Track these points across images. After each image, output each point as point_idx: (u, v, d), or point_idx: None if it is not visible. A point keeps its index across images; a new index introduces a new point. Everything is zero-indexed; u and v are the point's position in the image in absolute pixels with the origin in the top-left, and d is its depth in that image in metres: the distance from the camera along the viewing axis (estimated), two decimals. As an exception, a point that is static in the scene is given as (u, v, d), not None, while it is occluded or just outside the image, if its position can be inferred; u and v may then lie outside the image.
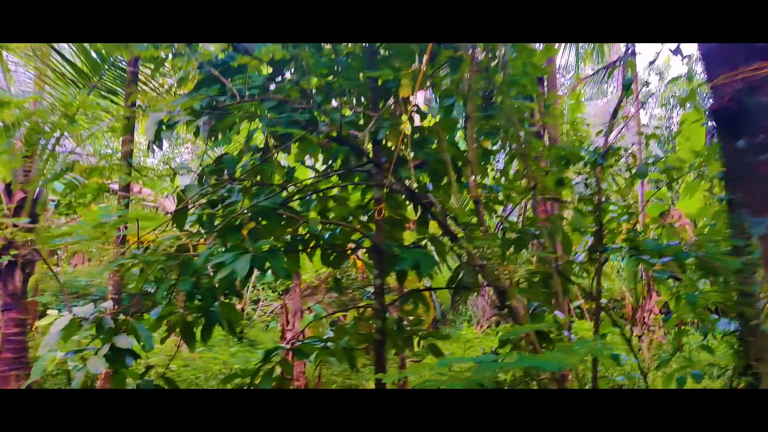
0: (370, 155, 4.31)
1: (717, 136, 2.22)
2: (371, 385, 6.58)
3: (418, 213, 4.66)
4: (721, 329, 3.00)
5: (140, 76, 5.61)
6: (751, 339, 2.74)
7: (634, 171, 2.75)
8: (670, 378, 3.05)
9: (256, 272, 3.09)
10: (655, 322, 7.24)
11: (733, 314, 2.80)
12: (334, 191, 4.60)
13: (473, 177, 2.93)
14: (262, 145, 4.02)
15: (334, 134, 4.28)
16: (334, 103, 3.63)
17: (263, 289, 12.50)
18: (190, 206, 3.49)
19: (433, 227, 4.60)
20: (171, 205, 9.18)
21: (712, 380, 5.79)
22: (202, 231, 3.62)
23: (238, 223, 2.99)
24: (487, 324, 11.22)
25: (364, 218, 4.47)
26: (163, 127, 3.06)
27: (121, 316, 3.19)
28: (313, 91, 3.75)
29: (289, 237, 4.02)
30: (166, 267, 3.33)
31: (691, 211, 7.67)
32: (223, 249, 3.31)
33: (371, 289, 7.57)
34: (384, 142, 3.92)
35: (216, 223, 3.25)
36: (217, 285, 3.00)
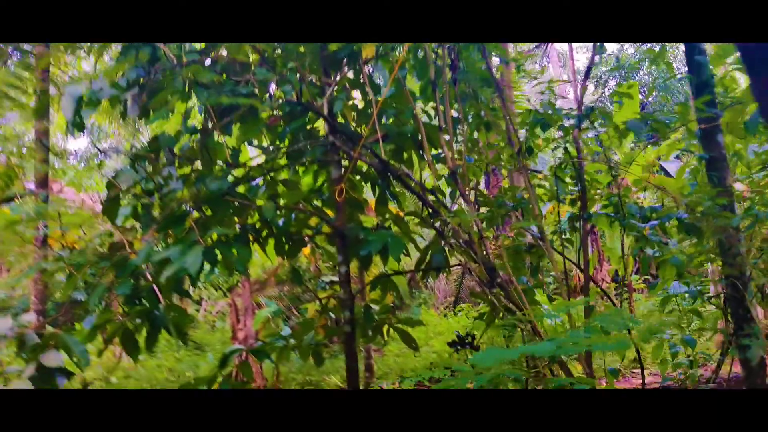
0: (322, 132, 4.00)
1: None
2: (335, 380, 6.31)
3: (377, 193, 4.41)
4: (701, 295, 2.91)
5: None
6: (739, 298, 2.67)
7: (623, 126, 2.59)
8: (660, 347, 2.95)
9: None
10: (609, 290, 7.34)
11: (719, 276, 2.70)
12: (284, 174, 4.26)
13: (449, 146, 2.69)
14: (200, 126, 3.61)
15: (281, 112, 3.94)
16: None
17: (205, 287, 11.90)
18: (122, 196, 3.07)
19: (394, 209, 4.37)
20: (97, 205, 8.47)
21: (704, 345, 5.85)
22: (137, 226, 3.21)
23: (181, 213, 2.62)
24: (444, 305, 11.15)
25: (317, 203, 4.18)
26: (83, 104, 2.63)
27: (48, 329, 2.76)
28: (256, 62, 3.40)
29: (237, 227, 3.66)
30: (98, 270, 2.92)
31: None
32: (164, 244, 2.93)
33: (326, 279, 7.25)
34: (339, 115, 3.62)
35: (154, 214, 2.86)
36: (162, 284, 2.63)
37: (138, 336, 3.21)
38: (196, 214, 2.72)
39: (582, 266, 2.50)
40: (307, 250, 8.10)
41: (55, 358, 2.52)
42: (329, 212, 4.10)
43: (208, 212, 2.97)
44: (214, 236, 2.70)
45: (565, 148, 2.75)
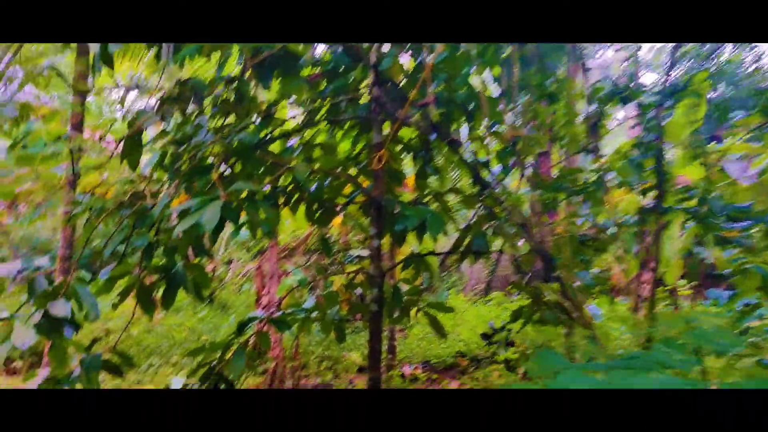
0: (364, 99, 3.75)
1: None
2: (355, 358, 6.15)
3: (417, 167, 4.15)
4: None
5: None
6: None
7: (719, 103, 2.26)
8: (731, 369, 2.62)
9: (228, 228, 2.56)
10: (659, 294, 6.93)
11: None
12: (321, 137, 4.03)
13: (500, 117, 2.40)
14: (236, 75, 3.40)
15: (324, 69, 3.70)
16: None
17: (236, 249, 11.91)
18: (146, 144, 2.90)
19: (434, 185, 4.10)
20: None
21: None
22: (164, 177, 3.04)
23: (207, 165, 2.41)
24: (473, 292, 10.88)
25: (353, 172, 3.95)
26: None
27: (61, 278, 2.63)
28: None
29: (268, 188, 3.46)
30: (117, 217, 2.76)
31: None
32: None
33: (355, 253, 7.05)
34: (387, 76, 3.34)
35: (181, 166, 2.67)
36: (180, 240, 2.45)
37: (155, 293, 3.08)
38: (222, 167, 2.51)
39: (652, 266, 2.20)
40: (338, 220, 7.93)
41: (62, 308, 2.38)
42: (365, 182, 3.87)
43: (238, 168, 2.77)
44: (244, 194, 2.50)
45: (646, 129, 2.42)
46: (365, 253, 7.37)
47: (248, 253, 12.11)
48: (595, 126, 2.69)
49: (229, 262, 11.98)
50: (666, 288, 5.83)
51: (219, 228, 2.20)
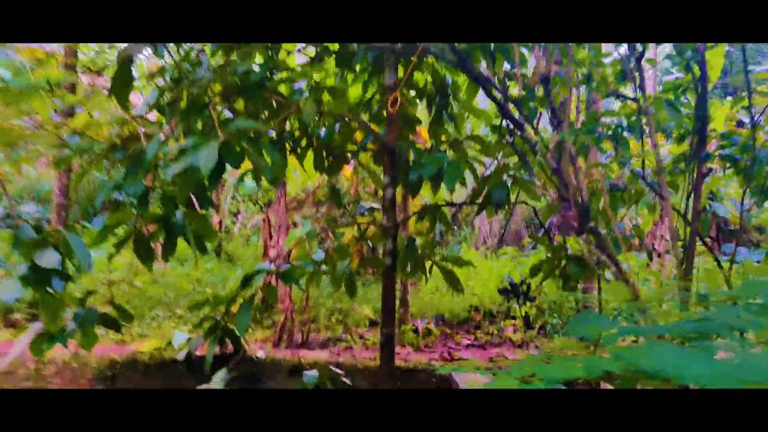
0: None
1: None
2: (366, 311, 6.05)
3: (432, 113, 3.89)
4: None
5: None
6: None
7: None
8: None
9: (233, 178, 2.36)
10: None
11: None
12: (330, 81, 3.77)
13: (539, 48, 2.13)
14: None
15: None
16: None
17: (243, 200, 11.77)
18: (145, 82, 2.66)
19: (450, 133, 3.85)
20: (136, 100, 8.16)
21: None
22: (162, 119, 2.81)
23: (205, 102, 2.18)
24: (485, 246, 10.71)
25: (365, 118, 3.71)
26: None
27: (49, 226, 2.44)
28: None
29: (273, 133, 3.23)
30: (109, 161, 2.56)
31: None
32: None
33: (366, 205, 6.84)
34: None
35: (179, 107, 2.44)
36: (178, 186, 2.25)
37: (153, 243, 2.91)
38: (222, 104, 2.28)
39: (690, 219, 1.98)
40: (348, 171, 7.70)
41: (50, 258, 2.21)
42: (376, 129, 3.64)
43: (240, 107, 2.54)
44: (246, 137, 2.27)
45: (687, 67, 2.15)
46: (376, 204, 7.18)
47: (255, 206, 11.97)
48: (629, 66, 2.40)
49: (237, 213, 11.86)
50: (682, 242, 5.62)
51: (218, 172, 1.99)
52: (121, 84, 2.31)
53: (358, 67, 3.76)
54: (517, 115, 2.51)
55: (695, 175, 2.11)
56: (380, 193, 8.00)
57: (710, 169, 2.14)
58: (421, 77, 3.83)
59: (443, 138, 3.69)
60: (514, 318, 5.88)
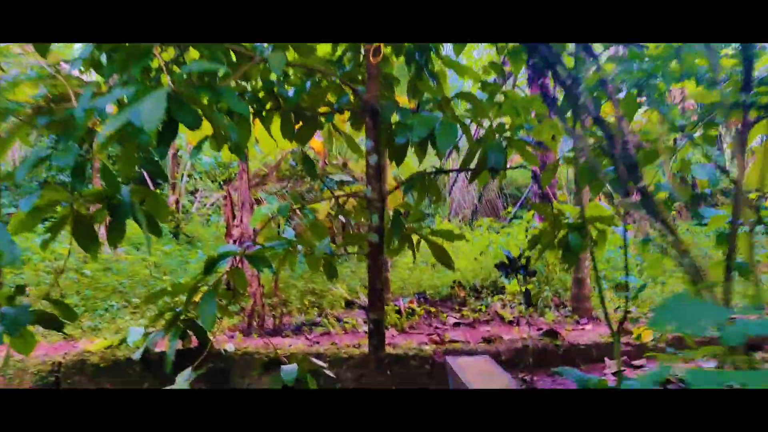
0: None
1: None
2: (341, 292, 5.70)
3: (412, 71, 3.52)
4: None
5: None
6: None
7: None
8: None
9: (188, 155, 1.94)
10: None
11: None
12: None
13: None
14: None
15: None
16: None
17: (201, 178, 11.17)
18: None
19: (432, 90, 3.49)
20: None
21: None
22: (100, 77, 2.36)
23: (146, 47, 1.74)
24: (459, 218, 10.47)
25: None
26: None
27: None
28: None
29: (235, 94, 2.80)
30: (33, 126, 2.12)
31: None
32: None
33: (336, 178, 6.40)
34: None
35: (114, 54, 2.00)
36: (120, 155, 1.83)
37: (97, 225, 2.49)
38: (171, 50, 1.85)
39: (735, 180, 1.69)
40: (316, 141, 7.26)
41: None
42: (348, 90, 3.25)
43: (194, 54, 2.11)
44: (204, 97, 1.85)
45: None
46: (346, 177, 6.70)
47: (214, 183, 11.39)
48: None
49: (194, 192, 11.26)
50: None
51: (169, 133, 1.58)
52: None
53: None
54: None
55: (739, 124, 1.82)
56: (350, 164, 7.52)
57: (759, 118, 1.84)
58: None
59: (429, 96, 3.33)
60: (501, 293, 5.63)
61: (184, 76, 1.64)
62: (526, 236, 6.21)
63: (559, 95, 2.72)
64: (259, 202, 7.07)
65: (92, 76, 2.92)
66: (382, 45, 2.72)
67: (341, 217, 5.65)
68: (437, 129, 2.64)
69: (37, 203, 2.33)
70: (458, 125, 2.80)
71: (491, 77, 3.49)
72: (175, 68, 1.72)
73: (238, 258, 3.07)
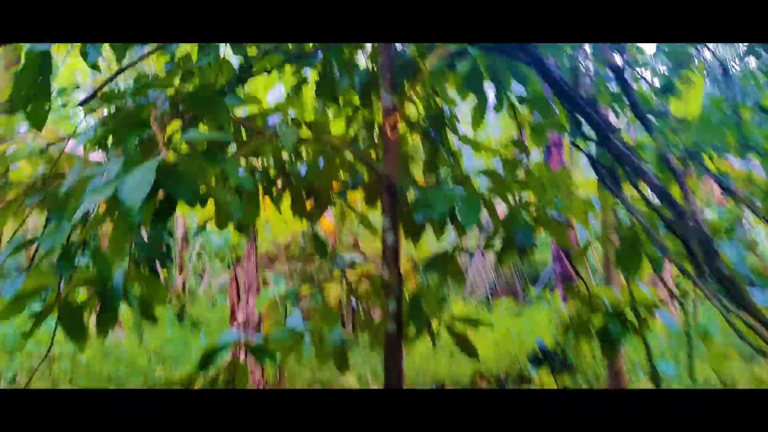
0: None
1: None
2: (351, 380, 5.33)
3: (426, 149, 3.42)
4: None
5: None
6: None
7: None
8: None
9: (191, 230, 1.76)
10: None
11: None
12: (309, 117, 3.27)
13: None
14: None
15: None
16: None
17: (210, 258, 11.02)
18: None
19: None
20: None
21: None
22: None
23: (145, 116, 1.60)
24: (474, 298, 10.12)
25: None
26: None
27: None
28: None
29: (243, 171, 2.67)
30: (20, 203, 1.96)
31: None
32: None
33: (347, 258, 6.19)
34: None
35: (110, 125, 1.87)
36: (110, 235, 1.65)
37: (86, 313, 2.28)
38: (175, 123, 1.71)
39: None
40: (327, 223, 7.12)
41: None
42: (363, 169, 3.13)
43: (201, 128, 1.96)
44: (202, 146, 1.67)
45: None
46: (357, 257, 6.50)
47: (223, 263, 11.21)
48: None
49: (202, 272, 11.07)
50: None
51: (166, 209, 1.39)
52: (36, 101, 1.72)
53: (341, 100, 3.30)
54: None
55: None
56: (362, 244, 7.32)
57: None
58: (414, 108, 3.39)
59: (446, 172, 3.19)
60: (528, 383, 5.22)
61: (182, 146, 1.48)
62: (553, 321, 5.88)
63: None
64: (266, 284, 6.85)
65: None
66: (400, 116, 2.60)
67: (353, 301, 5.40)
68: (459, 205, 2.46)
69: (21, 291, 2.13)
70: (481, 201, 2.63)
71: (510, 154, 3.38)
72: (177, 137, 1.58)
73: (240, 348, 2.82)
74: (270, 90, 4.49)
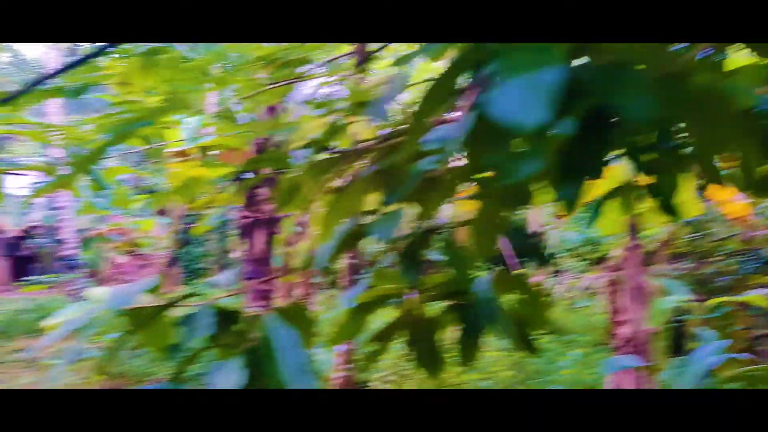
0: None
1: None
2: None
3: None
4: None
5: None
6: None
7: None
8: None
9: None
10: None
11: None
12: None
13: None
14: None
15: None
16: None
17: (569, 256, 10.41)
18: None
19: None
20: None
21: None
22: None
23: None
24: None
25: None
26: None
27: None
28: None
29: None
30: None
31: None
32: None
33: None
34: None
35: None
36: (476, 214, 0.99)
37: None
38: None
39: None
40: (736, 205, 5.60)
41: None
42: None
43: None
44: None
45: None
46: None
47: (582, 262, 10.43)
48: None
49: (555, 273, 10.49)
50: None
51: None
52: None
53: None
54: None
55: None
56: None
57: None
58: None
59: None
60: None
61: None
62: None
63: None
64: (657, 288, 5.73)
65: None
66: None
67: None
68: None
69: (365, 298, 1.73)
70: None
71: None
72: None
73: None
74: None
